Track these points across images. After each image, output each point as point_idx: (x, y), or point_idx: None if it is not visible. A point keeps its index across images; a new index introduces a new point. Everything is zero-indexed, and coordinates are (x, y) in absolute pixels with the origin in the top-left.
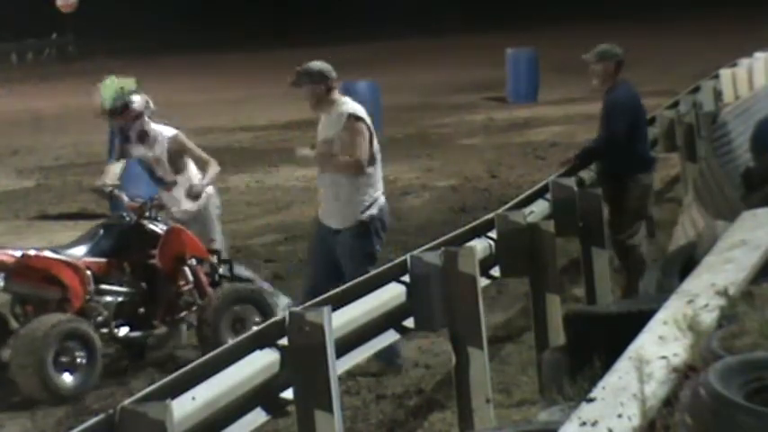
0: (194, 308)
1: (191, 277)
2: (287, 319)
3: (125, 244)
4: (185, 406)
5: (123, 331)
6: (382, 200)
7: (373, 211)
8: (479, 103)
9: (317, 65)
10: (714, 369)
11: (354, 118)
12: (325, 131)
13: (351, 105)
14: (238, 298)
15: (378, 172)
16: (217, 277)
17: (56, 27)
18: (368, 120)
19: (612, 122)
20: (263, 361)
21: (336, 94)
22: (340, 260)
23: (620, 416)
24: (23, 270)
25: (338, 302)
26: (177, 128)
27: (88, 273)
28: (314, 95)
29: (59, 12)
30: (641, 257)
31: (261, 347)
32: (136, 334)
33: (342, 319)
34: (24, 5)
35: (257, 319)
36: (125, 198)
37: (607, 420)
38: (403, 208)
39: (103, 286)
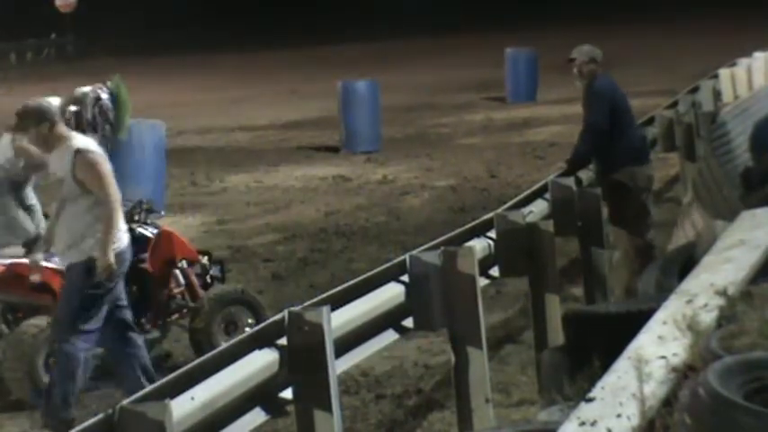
0: (186, 311)
1: (182, 280)
2: (286, 318)
3: None
4: (184, 406)
5: None
6: (125, 240)
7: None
8: (479, 102)
9: (37, 104)
10: (713, 369)
11: (84, 152)
12: (57, 172)
13: (79, 140)
14: (230, 300)
15: (120, 209)
16: (208, 279)
17: (55, 27)
18: (99, 150)
19: (593, 112)
20: (262, 361)
21: (61, 129)
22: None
23: (619, 416)
24: (13, 279)
25: (337, 302)
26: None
27: None
28: (40, 137)
29: (59, 12)
30: (654, 254)
31: (260, 347)
32: None
33: (341, 319)
34: (24, 5)
35: (250, 321)
36: None
37: (606, 420)
38: (402, 208)
39: None
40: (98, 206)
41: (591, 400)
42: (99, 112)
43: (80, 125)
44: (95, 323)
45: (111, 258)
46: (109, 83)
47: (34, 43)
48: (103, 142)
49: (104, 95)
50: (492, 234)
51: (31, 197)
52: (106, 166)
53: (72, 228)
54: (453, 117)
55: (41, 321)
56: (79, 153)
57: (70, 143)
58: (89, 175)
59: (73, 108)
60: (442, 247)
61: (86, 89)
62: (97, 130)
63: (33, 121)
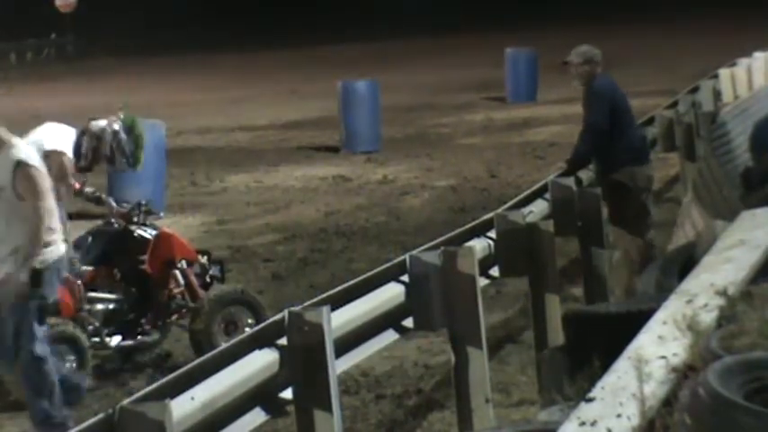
0: (186, 311)
1: (181, 281)
2: (286, 318)
3: (114, 251)
4: (184, 406)
5: (115, 340)
6: (62, 248)
7: (47, 258)
8: (479, 102)
9: None
10: (713, 369)
11: (24, 165)
12: None
13: (20, 150)
14: (230, 300)
15: (56, 217)
16: (208, 279)
17: (55, 27)
18: (39, 163)
19: (593, 112)
20: (262, 361)
21: (2, 133)
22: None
23: (619, 416)
24: None
25: (337, 302)
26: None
27: (79, 282)
28: None
29: (59, 12)
30: (654, 254)
31: (260, 347)
32: (128, 342)
33: (341, 319)
34: (24, 5)
35: (250, 321)
36: (113, 204)
37: (606, 420)
38: (402, 208)
39: (94, 294)
40: None
41: (591, 400)
42: (116, 147)
43: (96, 159)
44: (45, 325)
45: (26, 278)
46: (122, 115)
47: (34, 43)
48: (116, 172)
49: (118, 127)
50: (492, 234)
51: None
52: (45, 181)
53: (17, 233)
54: (453, 117)
55: None
56: (19, 165)
57: (11, 151)
58: (27, 189)
59: (90, 142)
60: (442, 247)
61: (103, 123)
62: (114, 163)
63: None
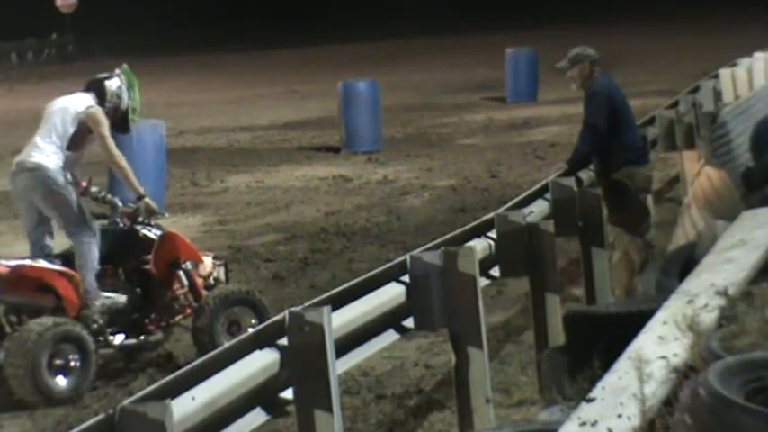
0: (189, 311)
1: (185, 281)
2: (287, 318)
3: (119, 250)
4: (185, 406)
5: (119, 339)
6: None
7: None
8: (479, 103)
9: None
10: (714, 369)
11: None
12: None
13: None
14: (235, 300)
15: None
16: (212, 281)
17: (56, 27)
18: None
19: (591, 114)
20: (262, 361)
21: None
22: None
23: (619, 416)
24: (17, 280)
25: (338, 302)
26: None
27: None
28: None
29: (59, 12)
30: (654, 254)
31: (260, 347)
32: (131, 341)
33: (341, 319)
34: (24, 5)
35: (253, 321)
36: (118, 203)
37: (607, 420)
38: (403, 208)
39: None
40: None
41: (591, 400)
42: (131, 102)
43: (117, 116)
44: None
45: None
46: (117, 71)
47: (34, 43)
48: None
49: (125, 82)
50: (492, 234)
51: None
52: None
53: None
54: (453, 117)
55: (47, 321)
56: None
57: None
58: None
59: (112, 101)
60: (443, 248)
61: (116, 82)
62: (126, 121)
63: None
